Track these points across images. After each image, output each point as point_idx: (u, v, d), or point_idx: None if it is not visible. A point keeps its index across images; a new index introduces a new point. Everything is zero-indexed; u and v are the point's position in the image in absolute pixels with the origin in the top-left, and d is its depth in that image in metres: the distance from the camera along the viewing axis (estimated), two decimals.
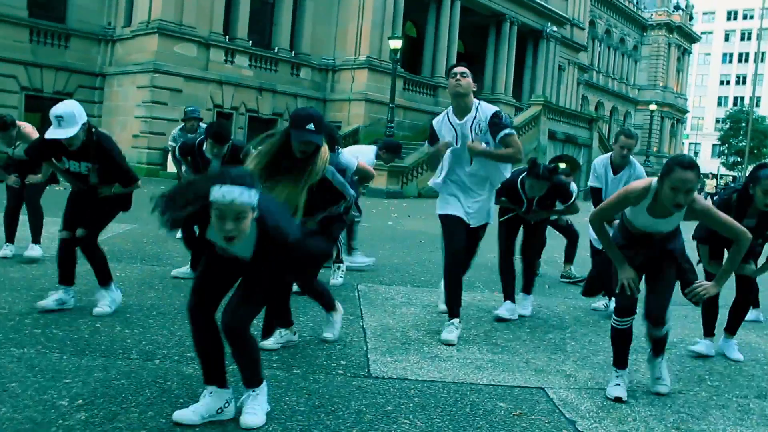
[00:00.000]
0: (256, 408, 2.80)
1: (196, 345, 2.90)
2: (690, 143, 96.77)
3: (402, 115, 26.07)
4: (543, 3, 34.69)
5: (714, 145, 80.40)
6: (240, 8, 24.04)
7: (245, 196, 2.50)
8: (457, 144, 4.43)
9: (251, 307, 2.89)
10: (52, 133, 4.05)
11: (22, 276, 5.34)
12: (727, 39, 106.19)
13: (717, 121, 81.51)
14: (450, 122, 4.46)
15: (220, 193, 2.48)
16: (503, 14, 32.15)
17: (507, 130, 4.36)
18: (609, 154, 5.76)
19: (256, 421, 2.75)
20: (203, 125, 7.97)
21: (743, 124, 63.78)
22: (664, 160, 32.03)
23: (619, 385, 3.55)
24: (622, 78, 59.95)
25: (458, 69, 4.39)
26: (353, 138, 22.86)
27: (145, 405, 2.90)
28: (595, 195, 5.64)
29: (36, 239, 6.25)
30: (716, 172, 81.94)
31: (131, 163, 5.80)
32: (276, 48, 25.46)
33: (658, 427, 3.17)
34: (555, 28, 35.75)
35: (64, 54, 22.77)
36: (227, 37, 23.75)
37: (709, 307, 4.70)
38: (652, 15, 62.89)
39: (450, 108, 4.51)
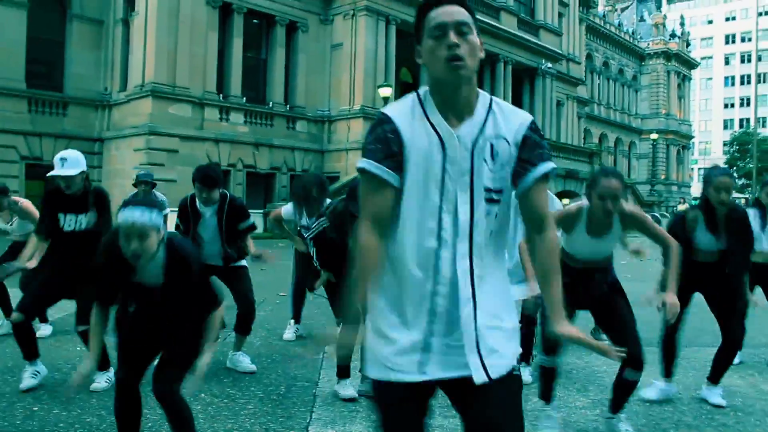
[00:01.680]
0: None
1: (120, 414, 2.98)
2: (699, 168, 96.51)
3: None
4: (536, 41, 35.00)
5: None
6: (233, 66, 24.40)
7: (146, 216, 2.67)
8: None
9: (177, 371, 2.96)
10: (56, 171, 4.32)
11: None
12: (727, 62, 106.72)
13: (724, 144, 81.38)
14: (432, 126, 1.86)
15: (123, 216, 2.67)
16: (497, 55, 32.44)
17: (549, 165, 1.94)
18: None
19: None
20: (157, 193, 7.94)
21: (749, 146, 63.59)
22: (673, 188, 32.12)
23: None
24: (623, 108, 60.11)
25: (452, 11, 1.85)
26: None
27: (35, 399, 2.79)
28: None
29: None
30: None
31: None
32: (270, 103, 25.75)
33: None
34: (550, 65, 36.01)
35: (63, 121, 23.13)
36: (221, 95, 24.06)
37: (668, 343, 4.55)
38: (648, 44, 63.36)
39: (425, 94, 1.92)
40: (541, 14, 36.32)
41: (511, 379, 1.82)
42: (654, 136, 44.48)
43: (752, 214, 5.18)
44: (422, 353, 1.78)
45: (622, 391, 3.63)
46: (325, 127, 27.25)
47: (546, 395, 3.83)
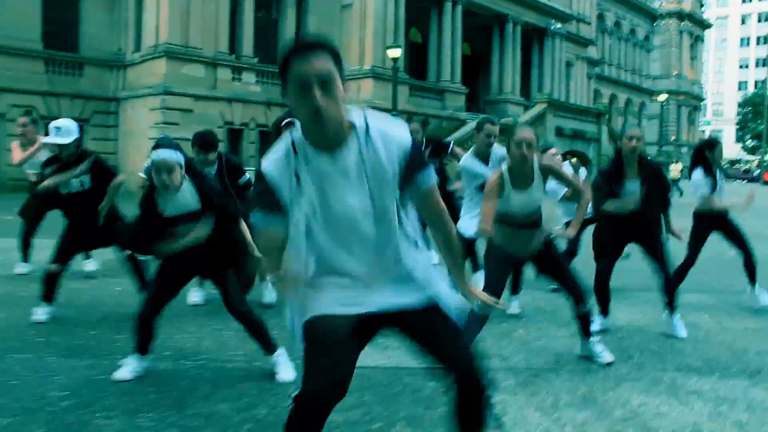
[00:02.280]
0: (286, 365, 3.76)
1: (139, 336, 3.76)
2: (712, 129, 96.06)
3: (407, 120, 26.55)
4: (545, 1, 34.98)
5: (737, 130, 79.76)
6: (244, 26, 24.73)
7: (172, 155, 3.62)
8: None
9: (240, 293, 3.90)
10: (49, 139, 5.02)
11: (32, 293, 5.93)
12: (743, 22, 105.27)
13: (738, 106, 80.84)
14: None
15: (155, 155, 3.60)
16: (506, 15, 32.53)
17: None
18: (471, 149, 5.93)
19: (290, 376, 3.70)
20: None
21: (762, 108, 63.27)
22: (683, 149, 32.40)
23: None
24: (634, 69, 59.80)
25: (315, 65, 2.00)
26: None
27: (120, 393, 3.44)
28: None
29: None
30: (736, 158, 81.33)
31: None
32: None
33: (566, 397, 3.64)
34: (559, 25, 36.02)
35: (79, 82, 23.62)
36: (233, 55, 24.44)
37: (601, 287, 5.13)
38: (661, 4, 62.74)
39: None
40: None
41: None
42: (663, 97, 44.35)
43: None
44: None
45: (582, 321, 4.26)
46: None
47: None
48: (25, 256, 7.02)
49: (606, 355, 4.28)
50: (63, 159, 5.09)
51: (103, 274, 6.96)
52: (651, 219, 4.99)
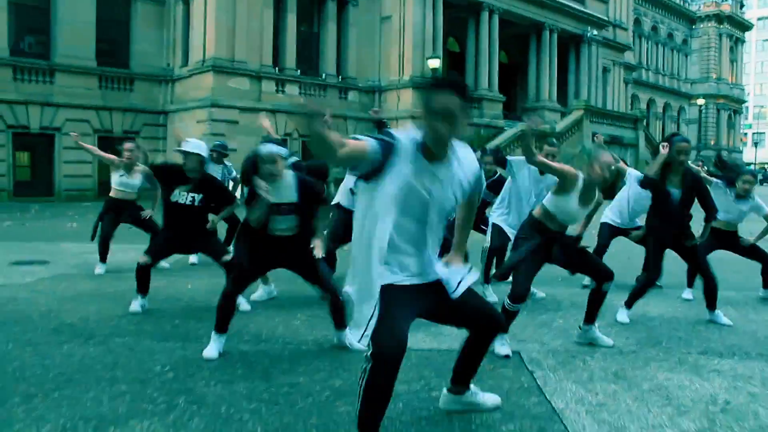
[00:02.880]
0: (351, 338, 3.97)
1: (222, 313, 4.41)
2: (753, 133, 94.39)
3: None
4: (581, 8, 35.20)
5: None
6: (287, 40, 25.55)
7: (276, 149, 4.42)
8: None
9: (327, 274, 4.55)
10: (185, 146, 5.53)
11: (116, 289, 6.61)
12: None
13: None
14: None
15: (264, 149, 4.40)
16: (542, 23, 32.85)
17: None
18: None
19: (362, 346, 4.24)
20: (228, 162, 9.13)
21: None
22: (723, 153, 32.42)
23: (504, 345, 4.51)
24: (672, 73, 59.36)
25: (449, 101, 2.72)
26: None
27: (213, 368, 4.05)
28: None
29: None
30: None
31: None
32: (323, 74, 26.89)
33: (599, 374, 4.13)
34: (595, 32, 36.17)
35: (130, 96, 24.68)
36: (277, 68, 25.27)
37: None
38: (699, 7, 62.16)
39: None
40: None
41: None
42: (701, 101, 44.16)
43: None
44: None
45: (595, 302, 4.75)
46: (376, 97, 28.29)
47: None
48: (103, 258, 7.75)
49: (607, 340, 4.83)
50: (186, 173, 5.53)
51: (173, 273, 7.64)
52: (684, 226, 5.48)
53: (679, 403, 3.59)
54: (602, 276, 4.62)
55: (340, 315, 4.50)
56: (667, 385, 3.90)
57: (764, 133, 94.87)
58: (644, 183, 5.57)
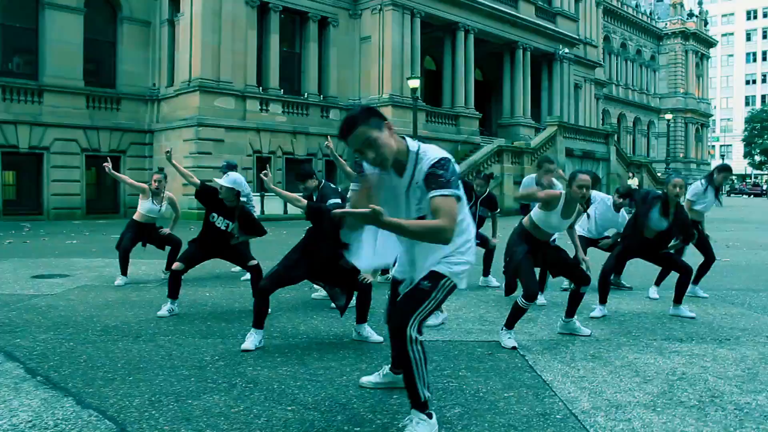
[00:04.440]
0: (372, 332, 5.07)
1: (258, 307, 5.10)
2: (721, 145, 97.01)
3: None
4: (553, 27, 36.51)
5: (744, 146, 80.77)
6: (270, 61, 26.36)
7: (309, 167, 5.64)
8: None
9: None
10: (224, 180, 6.26)
11: (141, 298, 7.28)
12: (749, 39, 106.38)
13: (745, 122, 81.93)
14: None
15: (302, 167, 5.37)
16: (515, 42, 34.05)
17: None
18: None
19: (379, 339, 5.05)
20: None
21: (767, 123, 64.41)
22: (692, 165, 34.15)
23: (510, 338, 5.24)
24: (642, 89, 61.20)
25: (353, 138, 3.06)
26: None
27: (254, 357, 4.77)
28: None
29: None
30: (744, 172, 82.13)
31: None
32: (305, 93, 27.72)
33: (580, 355, 4.93)
34: (567, 50, 37.49)
35: (117, 115, 25.26)
36: (261, 87, 26.05)
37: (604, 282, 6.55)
38: (666, 24, 64.25)
39: None
40: (558, 1, 37.79)
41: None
42: (669, 116, 45.71)
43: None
44: None
45: (574, 300, 5.53)
46: None
47: (511, 324, 5.27)
48: (124, 271, 8.43)
49: (585, 330, 5.66)
50: (224, 202, 6.33)
51: (191, 283, 8.33)
52: (663, 248, 6.44)
53: (645, 374, 4.40)
54: (581, 280, 5.42)
55: (364, 310, 5.26)
56: (635, 362, 4.71)
57: (731, 145, 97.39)
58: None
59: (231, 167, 9.83)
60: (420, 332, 3.16)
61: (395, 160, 3.05)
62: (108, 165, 8.63)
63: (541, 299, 7.04)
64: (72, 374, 4.33)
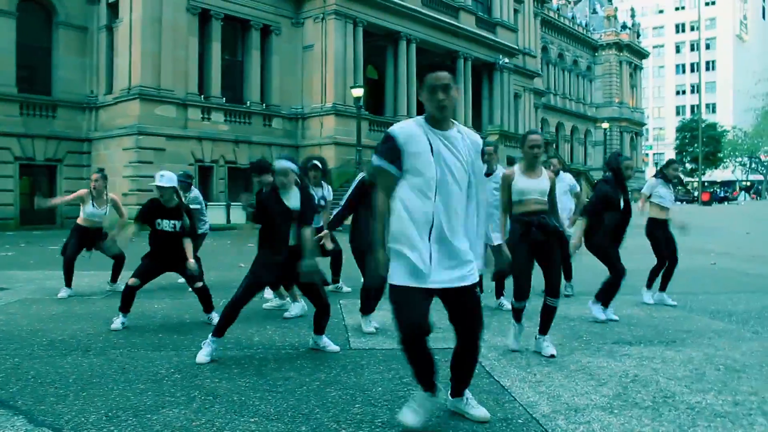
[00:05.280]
0: (330, 343, 4.76)
1: (226, 317, 5.04)
2: (654, 153, 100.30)
3: (370, 155, 28.05)
4: (493, 38, 37.16)
5: (676, 154, 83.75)
6: (212, 68, 26.04)
7: (287, 164, 5.12)
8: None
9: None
10: (160, 181, 6.18)
11: (86, 311, 7.08)
12: (678, 51, 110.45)
13: (676, 131, 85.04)
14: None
15: (277, 164, 5.13)
16: (457, 51, 34.51)
17: None
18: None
19: (336, 348, 5.05)
20: (195, 189, 9.69)
21: (697, 132, 66.83)
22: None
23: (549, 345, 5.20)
24: (579, 98, 62.78)
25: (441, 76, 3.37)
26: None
27: (211, 370, 4.70)
28: None
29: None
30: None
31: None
32: (248, 102, 27.48)
33: (535, 361, 5.02)
34: (507, 60, 38.20)
35: (53, 123, 24.55)
36: (202, 96, 25.71)
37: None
38: (601, 36, 66.12)
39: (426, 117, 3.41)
40: (497, 12, 38.48)
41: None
42: (605, 125, 47.07)
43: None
44: None
45: (546, 315, 5.28)
46: (299, 123, 29.05)
47: (517, 317, 5.41)
48: (68, 283, 8.17)
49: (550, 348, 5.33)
50: (163, 203, 6.30)
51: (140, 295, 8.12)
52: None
53: (599, 377, 4.51)
54: (551, 290, 5.24)
55: (322, 323, 5.23)
56: (589, 366, 4.82)
57: (663, 153, 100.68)
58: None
59: (188, 177, 9.62)
60: None
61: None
62: (36, 199, 8.31)
63: (504, 302, 7.30)
64: (20, 391, 4.18)
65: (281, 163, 5.09)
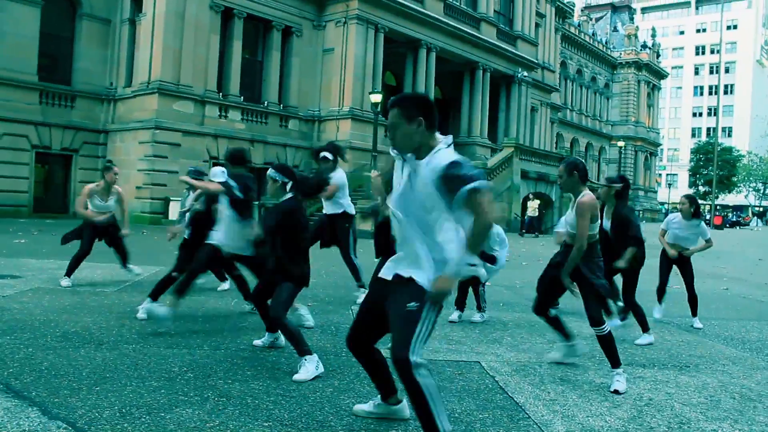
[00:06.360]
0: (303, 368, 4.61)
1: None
2: (667, 174, 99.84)
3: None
4: (513, 50, 37.14)
5: (690, 176, 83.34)
6: (232, 67, 26.14)
7: (276, 174, 5.19)
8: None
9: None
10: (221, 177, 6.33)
11: (99, 303, 7.09)
12: (697, 72, 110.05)
13: (691, 153, 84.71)
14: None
15: (269, 172, 5.26)
16: (476, 62, 34.51)
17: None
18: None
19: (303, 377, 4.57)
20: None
21: (711, 155, 66.54)
22: (640, 192, 35.28)
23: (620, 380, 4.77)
24: (595, 115, 62.65)
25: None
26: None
27: (224, 370, 4.70)
28: None
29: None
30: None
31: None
32: (266, 102, 27.55)
33: (548, 378, 4.99)
34: (525, 73, 38.17)
35: (71, 113, 24.66)
36: (221, 93, 25.80)
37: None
38: (620, 54, 66.00)
39: None
40: (519, 25, 38.46)
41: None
42: (621, 143, 46.91)
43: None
44: None
45: (604, 345, 4.92)
46: (316, 126, 29.10)
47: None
48: (69, 272, 8.26)
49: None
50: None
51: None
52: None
53: (613, 399, 4.48)
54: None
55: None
56: (602, 387, 4.79)
57: (677, 174, 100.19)
58: None
59: (200, 174, 9.61)
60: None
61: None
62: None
63: (476, 316, 7.35)
64: (34, 382, 4.19)
65: (272, 172, 5.21)
